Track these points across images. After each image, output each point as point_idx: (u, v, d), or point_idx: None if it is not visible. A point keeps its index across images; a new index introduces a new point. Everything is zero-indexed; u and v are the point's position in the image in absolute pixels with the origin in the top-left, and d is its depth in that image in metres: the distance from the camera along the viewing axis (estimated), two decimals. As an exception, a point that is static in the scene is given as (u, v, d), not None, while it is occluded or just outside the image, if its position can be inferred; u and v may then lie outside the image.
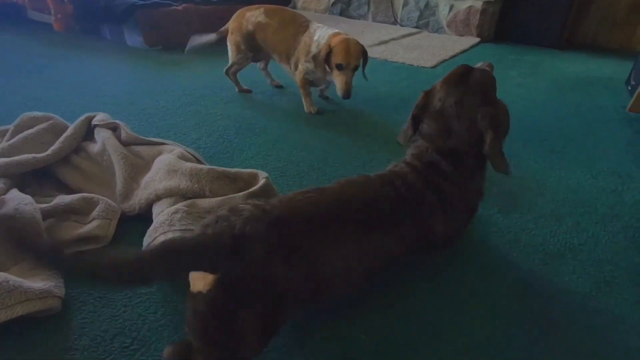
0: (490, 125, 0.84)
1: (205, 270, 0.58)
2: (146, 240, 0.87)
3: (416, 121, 0.92)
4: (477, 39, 3.60)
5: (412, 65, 2.70)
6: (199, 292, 0.58)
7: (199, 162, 1.12)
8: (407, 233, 0.79)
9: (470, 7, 3.60)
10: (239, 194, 0.96)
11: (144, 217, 0.99)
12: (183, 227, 0.87)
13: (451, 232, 0.88)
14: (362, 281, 0.76)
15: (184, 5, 2.65)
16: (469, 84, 0.87)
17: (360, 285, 0.78)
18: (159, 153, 1.11)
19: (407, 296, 0.87)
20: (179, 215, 0.89)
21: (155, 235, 0.86)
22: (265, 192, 0.99)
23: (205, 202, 0.94)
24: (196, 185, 0.95)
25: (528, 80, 2.52)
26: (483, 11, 3.56)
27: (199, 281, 0.58)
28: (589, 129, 1.80)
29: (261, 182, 0.99)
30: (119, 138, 1.17)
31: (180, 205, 0.91)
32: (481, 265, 0.97)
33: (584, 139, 1.70)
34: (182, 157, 1.05)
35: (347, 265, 0.70)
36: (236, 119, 1.68)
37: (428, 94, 0.92)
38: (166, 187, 0.96)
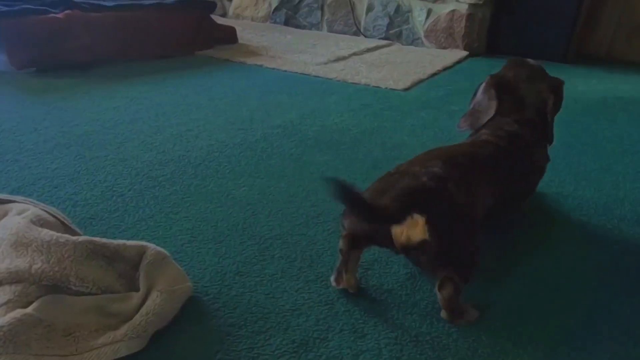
0: (552, 92, 1.37)
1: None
2: None
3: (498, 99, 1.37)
4: (464, 53, 3.82)
5: (378, 87, 2.80)
6: (423, 239, 0.95)
7: (64, 226, 1.08)
8: (509, 185, 1.28)
9: (452, 12, 3.83)
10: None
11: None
12: (42, 353, 0.82)
13: (532, 188, 1.45)
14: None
15: (66, 12, 2.66)
16: (527, 67, 1.41)
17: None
18: (4, 214, 1.06)
19: None
20: (39, 332, 0.84)
21: None
22: (150, 274, 0.97)
23: (68, 312, 0.90)
24: (56, 268, 0.91)
25: (529, 104, 2.65)
26: (469, 17, 3.79)
27: (415, 232, 0.95)
28: (607, 165, 1.90)
29: (145, 261, 0.97)
30: (-51, 196, 1.11)
31: (36, 313, 0.86)
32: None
33: (601, 177, 1.78)
34: (38, 221, 1.00)
35: (487, 202, 1.18)
36: (133, 165, 1.66)
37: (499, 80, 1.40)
38: (10, 269, 0.90)
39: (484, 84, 1.41)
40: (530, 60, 1.44)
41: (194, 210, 1.41)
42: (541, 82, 1.37)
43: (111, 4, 2.94)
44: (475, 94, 1.44)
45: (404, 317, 1.06)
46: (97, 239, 0.99)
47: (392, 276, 1.19)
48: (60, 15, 2.63)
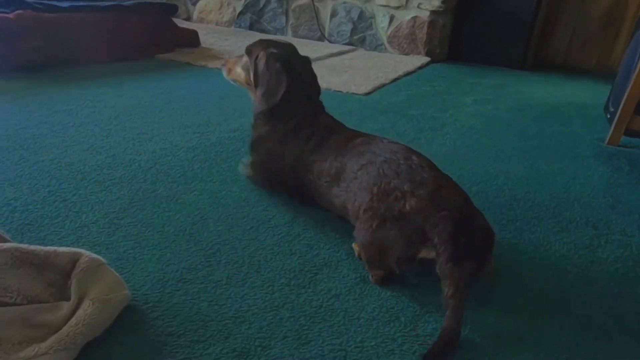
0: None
1: None
2: None
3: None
4: (426, 59, 3.84)
5: (339, 91, 2.78)
6: None
7: (-8, 233, 1.02)
8: None
9: (414, 18, 3.85)
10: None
11: None
12: None
13: None
14: None
15: (17, 12, 2.56)
16: (285, 44, 1.55)
17: None
18: None
19: None
20: None
21: None
22: (83, 282, 0.92)
23: None
24: (-24, 278, 0.85)
25: (486, 109, 2.67)
26: (431, 23, 3.81)
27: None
28: (560, 168, 1.91)
29: (78, 269, 0.92)
30: None
31: None
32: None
33: (553, 180, 1.79)
34: (-38, 227, 0.95)
35: None
36: (79, 169, 1.59)
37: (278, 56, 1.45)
38: None
39: (264, 62, 1.44)
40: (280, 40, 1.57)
41: (140, 216, 1.36)
42: (303, 59, 1.52)
43: (66, 4, 2.85)
44: (257, 72, 1.47)
45: (350, 322, 1.03)
46: (24, 246, 0.94)
47: (340, 280, 1.16)
48: (11, 15, 2.54)
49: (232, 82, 1.62)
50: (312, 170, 1.38)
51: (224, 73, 1.62)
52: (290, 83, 1.42)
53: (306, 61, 1.53)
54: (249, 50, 1.51)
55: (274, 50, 1.45)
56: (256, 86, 1.48)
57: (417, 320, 1.05)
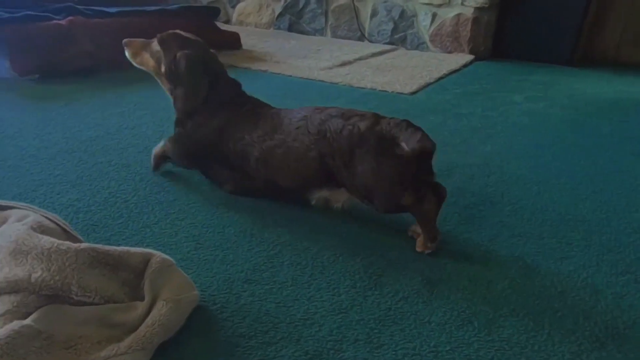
0: None
1: None
2: None
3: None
4: (470, 56, 3.79)
5: (384, 91, 2.76)
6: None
7: (65, 233, 1.03)
8: None
9: (458, 15, 3.80)
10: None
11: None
12: None
13: None
14: None
15: (69, 18, 2.63)
16: (197, 41, 1.54)
17: None
18: (4, 221, 1.01)
19: None
20: (38, 344, 0.80)
21: None
22: (155, 282, 0.93)
23: (69, 323, 0.85)
24: (57, 277, 0.86)
25: (538, 107, 2.61)
26: (475, 20, 3.75)
27: None
28: (625, 166, 1.85)
29: (150, 269, 0.93)
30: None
31: (35, 324, 0.81)
32: None
33: (619, 179, 1.73)
34: (39, 228, 0.96)
35: None
36: (136, 170, 1.62)
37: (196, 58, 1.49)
38: (8, 277, 0.86)
39: (184, 64, 1.44)
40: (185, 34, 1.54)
41: (200, 216, 1.37)
42: (214, 57, 1.54)
43: (114, 10, 2.91)
44: (177, 73, 1.47)
45: (421, 325, 1.01)
46: (99, 246, 0.95)
47: (407, 283, 1.13)
48: (63, 22, 2.61)
49: (136, 65, 1.59)
50: (244, 131, 1.43)
51: (127, 54, 1.57)
52: (212, 82, 1.49)
53: (219, 62, 1.57)
54: (163, 44, 1.50)
55: (191, 52, 1.47)
56: (176, 86, 1.50)
57: (491, 324, 1.02)
